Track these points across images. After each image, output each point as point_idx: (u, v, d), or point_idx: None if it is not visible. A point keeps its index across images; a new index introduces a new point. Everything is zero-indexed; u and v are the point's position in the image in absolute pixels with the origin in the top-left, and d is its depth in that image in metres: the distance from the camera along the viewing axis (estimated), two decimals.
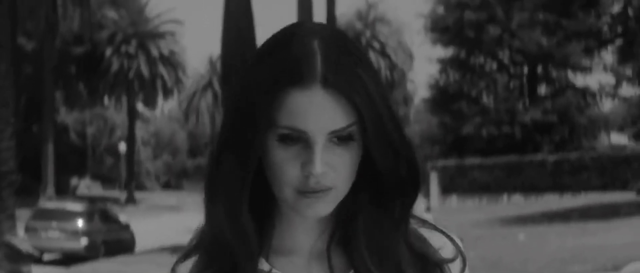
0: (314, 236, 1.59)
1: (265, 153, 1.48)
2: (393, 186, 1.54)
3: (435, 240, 1.63)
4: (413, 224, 1.62)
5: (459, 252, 1.63)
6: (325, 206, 1.49)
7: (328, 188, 1.47)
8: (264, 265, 1.57)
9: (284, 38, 1.49)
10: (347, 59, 1.46)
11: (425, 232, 1.64)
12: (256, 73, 1.48)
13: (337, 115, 1.44)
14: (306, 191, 1.46)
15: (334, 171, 1.47)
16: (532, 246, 21.57)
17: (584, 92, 56.37)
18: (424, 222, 1.66)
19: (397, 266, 1.56)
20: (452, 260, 1.60)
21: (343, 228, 1.59)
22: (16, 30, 12.82)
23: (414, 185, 1.57)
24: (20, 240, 10.43)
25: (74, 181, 69.89)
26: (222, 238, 1.54)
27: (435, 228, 1.67)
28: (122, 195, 65.20)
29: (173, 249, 25.78)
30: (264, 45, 1.52)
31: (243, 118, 1.48)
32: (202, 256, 1.59)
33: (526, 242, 22.80)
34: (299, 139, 1.45)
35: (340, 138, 1.47)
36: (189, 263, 1.61)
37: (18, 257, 9.96)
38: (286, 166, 1.46)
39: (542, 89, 57.45)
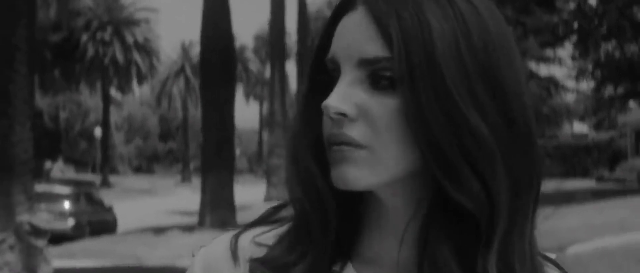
0: (404, 246, 1.17)
1: None
2: (453, 187, 1.08)
3: None
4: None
5: None
6: (353, 171, 1.08)
7: (355, 143, 1.08)
8: (350, 270, 1.21)
9: None
10: None
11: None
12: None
13: (369, 40, 1.09)
14: (329, 144, 1.11)
15: (369, 124, 1.08)
16: None
17: (548, 82, 57.55)
18: (547, 259, 1.24)
19: None
20: None
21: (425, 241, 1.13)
22: (34, 34, 13.71)
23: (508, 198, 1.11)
24: (39, 218, 11.92)
25: (47, 164, 70.15)
26: (298, 206, 1.19)
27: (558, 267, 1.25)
28: (95, 179, 65.58)
29: (154, 230, 26.60)
30: None
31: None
32: (285, 234, 1.22)
33: None
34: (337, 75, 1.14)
35: (380, 78, 1.08)
36: (250, 234, 1.24)
37: (38, 233, 11.53)
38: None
39: None
